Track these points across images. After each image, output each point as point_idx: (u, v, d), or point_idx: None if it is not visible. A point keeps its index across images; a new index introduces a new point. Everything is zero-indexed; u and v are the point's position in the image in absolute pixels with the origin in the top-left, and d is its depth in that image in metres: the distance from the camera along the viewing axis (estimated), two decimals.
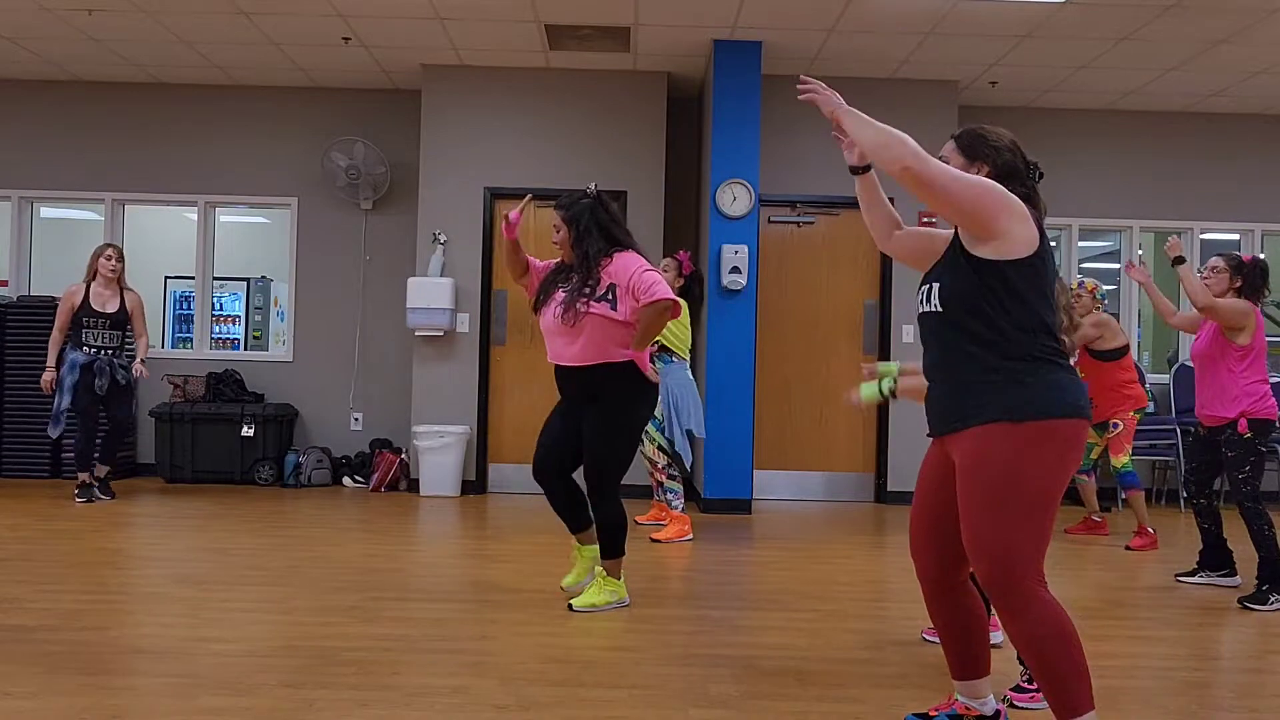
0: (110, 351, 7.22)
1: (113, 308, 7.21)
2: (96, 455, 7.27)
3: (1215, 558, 5.27)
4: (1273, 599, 4.79)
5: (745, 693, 3.36)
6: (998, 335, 2.62)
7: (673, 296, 4.33)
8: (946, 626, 2.90)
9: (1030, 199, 2.73)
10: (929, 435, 2.85)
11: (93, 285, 7.24)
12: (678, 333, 6.23)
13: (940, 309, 2.71)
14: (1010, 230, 2.61)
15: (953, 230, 2.82)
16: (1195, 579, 5.30)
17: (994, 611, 2.76)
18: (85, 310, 7.16)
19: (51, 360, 7.17)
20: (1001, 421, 2.58)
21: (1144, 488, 6.35)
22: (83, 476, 7.21)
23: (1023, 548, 2.56)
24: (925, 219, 7.23)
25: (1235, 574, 5.25)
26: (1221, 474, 5.23)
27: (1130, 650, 4.01)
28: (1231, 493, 5.02)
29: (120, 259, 7.31)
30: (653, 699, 3.28)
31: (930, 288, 2.77)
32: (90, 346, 7.16)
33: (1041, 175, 2.82)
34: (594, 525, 4.52)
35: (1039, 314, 2.64)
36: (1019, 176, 2.76)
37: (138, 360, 7.22)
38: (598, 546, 4.52)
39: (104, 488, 7.28)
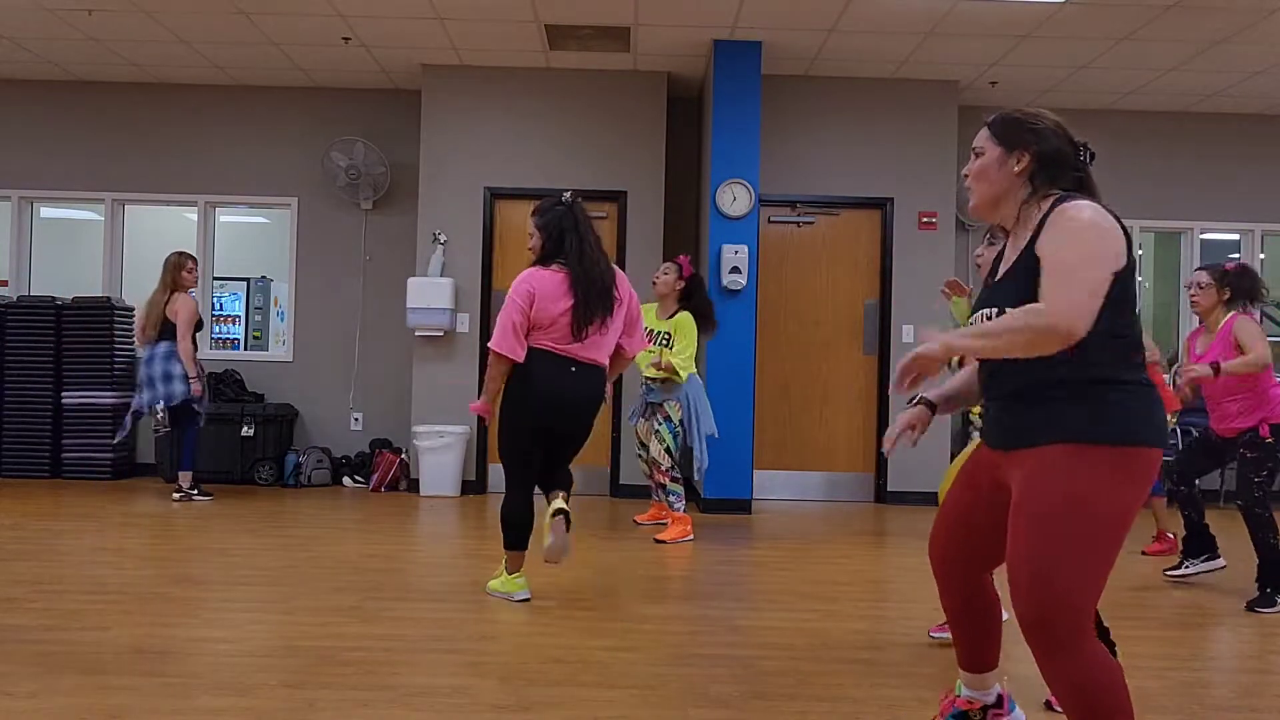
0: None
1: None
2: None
3: (1197, 544, 5.23)
4: None
5: (745, 693, 3.36)
6: (1082, 349, 2.28)
7: (493, 347, 4.46)
8: (962, 623, 2.75)
9: (1081, 185, 2.45)
10: (985, 443, 2.62)
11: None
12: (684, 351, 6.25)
13: None
14: (1117, 255, 2.30)
15: (1005, 246, 2.58)
16: (1182, 570, 5.26)
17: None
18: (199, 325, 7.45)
19: (194, 370, 7.27)
20: (1076, 443, 2.28)
21: (1164, 493, 6.30)
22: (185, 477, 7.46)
23: (1083, 588, 2.26)
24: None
25: (1218, 555, 5.22)
26: (1205, 475, 5.25)
27: (1130, 650, 4.00)
28: (1240, 493, 4.96)
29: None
30: (653, 699, 3.28)
31: (999, 313, 2.40)
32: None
33: (1093, 156, 2.48)
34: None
35: (1127, 323, 2.34)
36: (1067, 162, 2.44)
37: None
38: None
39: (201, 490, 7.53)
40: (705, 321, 6.36)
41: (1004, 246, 2.63)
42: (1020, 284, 2.39)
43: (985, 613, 2.74)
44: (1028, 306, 2.27)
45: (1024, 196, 2.47)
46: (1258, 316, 5.11)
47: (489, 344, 4.50)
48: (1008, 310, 2.35)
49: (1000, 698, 2.89)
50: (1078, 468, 2.28)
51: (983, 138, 2.54)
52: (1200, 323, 5.24)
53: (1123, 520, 2.30)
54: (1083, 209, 2.34)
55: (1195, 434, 5.29)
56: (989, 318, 2.44)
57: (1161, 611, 4.77)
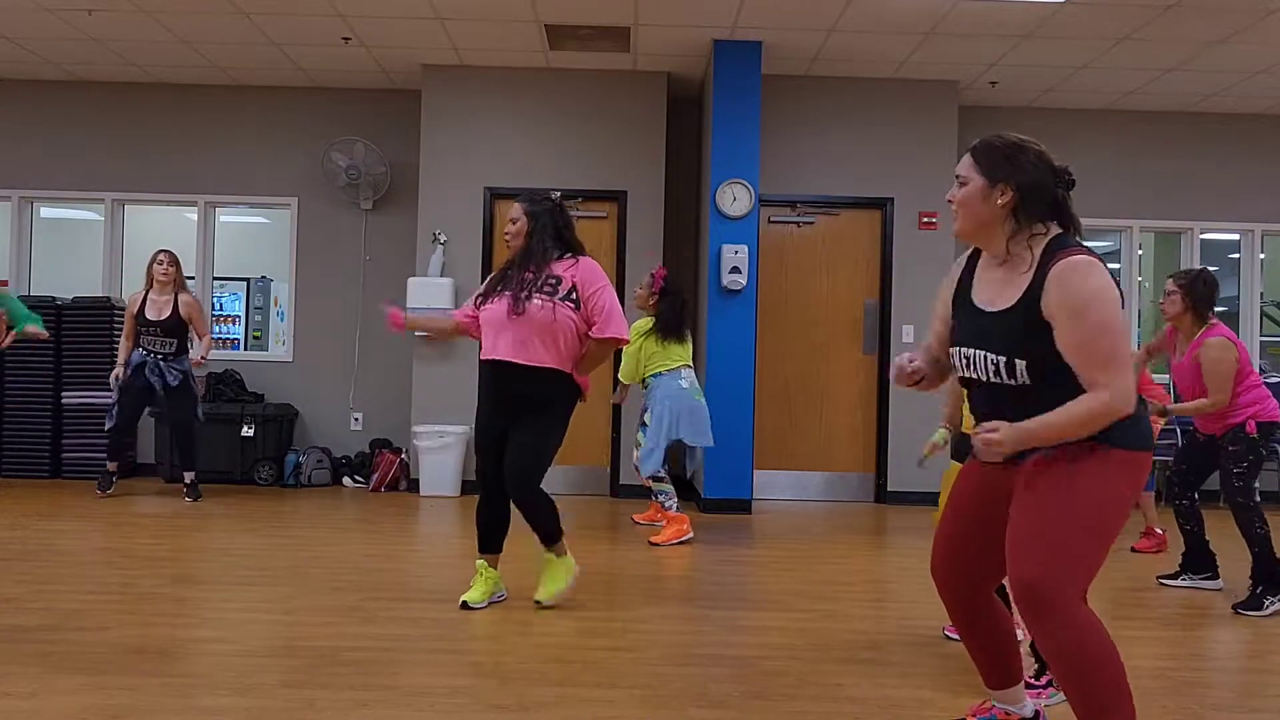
0: (162, 356, 7.35)
1: (165, 314, 7.33)
2: (176, 462, 7.71)
3: (1198, 560, 5.23)
4: (1268, 602, 4.73)
5: (745, 693, 3.36)
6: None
7: (627, 337, 4.45)
8: (978, 641, 2.78)
9: (1059, 214, 2.53)
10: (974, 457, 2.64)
11: (149, 294, 7.39)
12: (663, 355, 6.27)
13: (1028, 381, 2.49)
14: (1120, 304, 2.47)
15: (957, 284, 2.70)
16: (1178, 582, 5.25)
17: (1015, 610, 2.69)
18: (141, 319, 7.36)
19: (121, 359, 7.41)
20: (1102, 445, 2.46)
21: (1154, 490, 6.35)
22: (110, 466, 7.54)
23: (1078, 567, 2.45)
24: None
25: (1218, 577, 5.22)
26: (1207, 477, 5.25)
27: (1129, 650, 3.99)
28: (1223, 488, 5.00)
29: (174, 263, 7.45)
30: (653, 699, 3.28)
31: (1007, 361, 2.49)
32: (145, 350, 7.35)
33: (1073, 183, 2.56)
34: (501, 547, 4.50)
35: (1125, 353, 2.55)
36: (1045, 192, 2.51)
37: (200, 354, 7.42)
38: (497, 572, 4.49)
39: (192, 490, 7.45)
40: (665, 328, 6.26)
41: (973, 266, 2.68)
42: (1017, 334, 2.48)
43: (995, 623, 2.77)
44: (1084, 398, 2.40)
45: (1010, 231, 2.53)
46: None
47: (623, 335, 4.38)
48: (1003, 357, 2.48)
49: (1038, 713, 2.89)
50: (1105, 464, 2.47)
51: (966, 165, 2.58)
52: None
53: (1125, 511, 2.53)
54: (1090, 273, 2.42)
55: (1183, 439, 5.29)
56: (972, 360, 2.55)
57: (1161, 611, 4.77)
